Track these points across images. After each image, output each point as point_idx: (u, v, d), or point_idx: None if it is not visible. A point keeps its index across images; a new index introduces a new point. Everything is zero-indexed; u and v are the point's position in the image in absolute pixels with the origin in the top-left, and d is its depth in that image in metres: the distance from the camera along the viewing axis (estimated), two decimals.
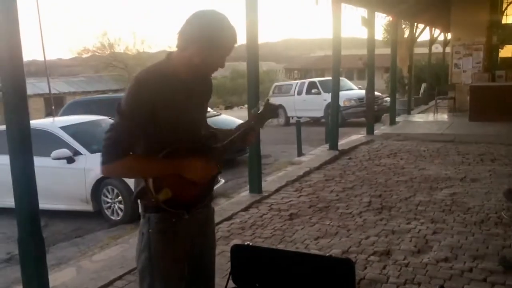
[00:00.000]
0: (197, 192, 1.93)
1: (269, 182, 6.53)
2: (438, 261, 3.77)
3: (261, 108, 2.05)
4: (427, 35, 18.29)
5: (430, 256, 3.87)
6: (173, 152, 1.83)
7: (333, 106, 8.92)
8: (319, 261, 2.73)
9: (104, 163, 1.76)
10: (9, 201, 6.01)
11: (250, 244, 2.93)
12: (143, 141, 1.82)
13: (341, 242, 4.26)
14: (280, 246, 4.18)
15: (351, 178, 6.68)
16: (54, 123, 7.16)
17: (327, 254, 2.70)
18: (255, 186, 5.94)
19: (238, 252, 2.79)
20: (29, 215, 2.91)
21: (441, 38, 19.99)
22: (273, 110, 2.03)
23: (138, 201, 1.95)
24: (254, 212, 5.28)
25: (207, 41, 1.77)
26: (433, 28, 17.42)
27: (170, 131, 1.83)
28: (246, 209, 5.37)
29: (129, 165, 1.78)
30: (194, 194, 1.92)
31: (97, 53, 32.78)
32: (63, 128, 6.73)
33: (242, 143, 2.03)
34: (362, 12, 9.78)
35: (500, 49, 13.35)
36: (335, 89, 8.78)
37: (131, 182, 5.89)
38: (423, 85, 18.88)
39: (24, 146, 2.79)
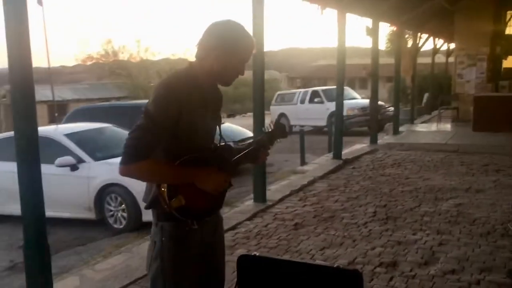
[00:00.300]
0: (209, 202, 1.94)
1: (273, 191, 6.51)
2: (445, 273, 3.73)
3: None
4: (429, 44, 18.34)
5: (437, 268, 3.83)
6: (190, 160, 1.85)
7: (338, 115, 8.91)
8: (327, 272, 2.69)
9: (123, 163, 1.75)
10: (11, 208, 6.03)
11: (257, 254, 2.90)
12: (161, 146, 1.83)
13: (347, 253, 4.23)
14: (286, 256, 4.15)
15: (355, 188, 6.65)
16: (58, 130, 7.17)
17: (335, 265, 2.66)
18: (260, 195, 5.91)
19: (245, 262, 2.75)
20: (35, 223, 2.90)
21: (444, 48, 20.01)
22: (283, 130, 2.07)
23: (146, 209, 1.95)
24: (259, 221, 5.25)
25: (226, 48, 1.83)
26: (436, 38, 17.44)
27: (188, 138, 1.86)
28: (250, 218, 5.34)
29: (148, 168, 1.77)
30: (206, 204, 1.93)
31: (101, 61, 32.88)
32: (68, 135, 6.73)
33: (253, 160, 2.07)
34: (367, 21, 9.83)
35: (503, 60, 13.35)
36: (340, 98, 8.78)
37: (135, 190, 5.95)
38: (426, 95, 18.89)
39: (32, 153, 2.78)
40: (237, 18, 1.93)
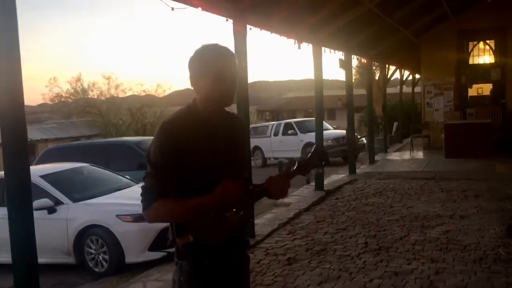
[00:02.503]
0: (219, 236, 1.85)
1: (260, 225, 6.37)
2: None
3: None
4: (395, 75, 18.97)
5: None
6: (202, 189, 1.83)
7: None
8: None
9: (142, 209, 1.83)
10: None
11: None
12: (175, 185, 1.84)
13: (346, 287, 4.14)
14: None
15: (342, 218, 6.61)
16: (33, 172, 6.85)
17: None
18: (248, 230, 5.77)
19: None
20: (27, 272, 2.69)
21: (409, 78, 20.72)
22: (321, 157, 1.92)
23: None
24: (250, 257, 5.09)
25: (212, 74, 1.80)
26: (403, 69, 18.09)
27: (198, 175, 1.83)
28: None
29: (160, 209, 1.80)
30: (217, 238, 1.85)
31: (69, 99, 32.19)
32: (44, 176, 6.45)
33: (267, 192, 1.90)
34: (338, 55, 10.07)
35: (469, 88, 13.89)
36: (319, 129, 8.85)
37: (116, 231, 5.71)
38: (395, 124, 19.36)
39: (25, 195, 2.61)
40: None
